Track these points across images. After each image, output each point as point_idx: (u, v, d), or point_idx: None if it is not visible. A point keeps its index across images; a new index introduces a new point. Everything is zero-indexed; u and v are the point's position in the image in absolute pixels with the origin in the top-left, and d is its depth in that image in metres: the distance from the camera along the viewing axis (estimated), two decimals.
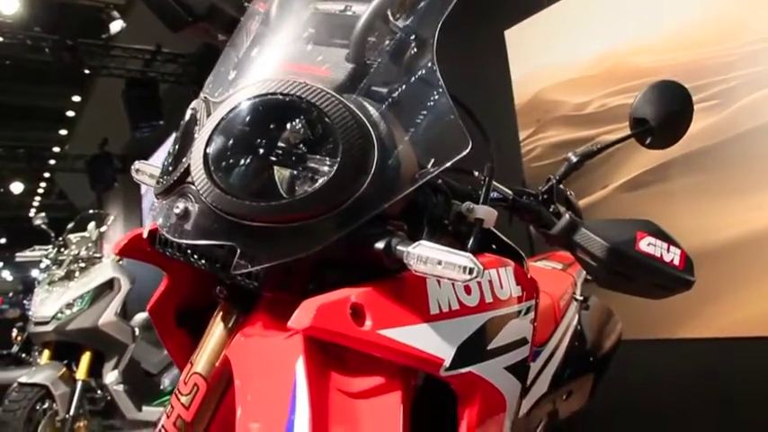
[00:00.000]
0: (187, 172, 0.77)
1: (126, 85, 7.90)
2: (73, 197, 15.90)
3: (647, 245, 1.04)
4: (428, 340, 0.77)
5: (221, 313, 0.87)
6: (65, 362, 3.64)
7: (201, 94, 0.85)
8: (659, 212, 3.00)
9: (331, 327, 0.69)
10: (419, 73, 0.82)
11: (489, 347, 0.86)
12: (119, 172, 10.30)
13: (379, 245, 0.75)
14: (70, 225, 4.15)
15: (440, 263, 0.71)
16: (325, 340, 0.71)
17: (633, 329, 2.29)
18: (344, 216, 0.73)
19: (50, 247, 3.96)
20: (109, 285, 3.85)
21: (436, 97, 0.80)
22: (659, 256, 1.05)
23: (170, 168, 0.81)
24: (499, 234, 1.14)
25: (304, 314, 0.69)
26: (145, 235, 0.84)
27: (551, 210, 1.12)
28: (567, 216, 1.07)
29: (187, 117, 0.85)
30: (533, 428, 1.50)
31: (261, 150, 0.75)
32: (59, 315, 3.67)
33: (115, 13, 7.17)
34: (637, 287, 1.11)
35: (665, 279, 1.07)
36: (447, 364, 0.78)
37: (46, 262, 3.97)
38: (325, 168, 0.73)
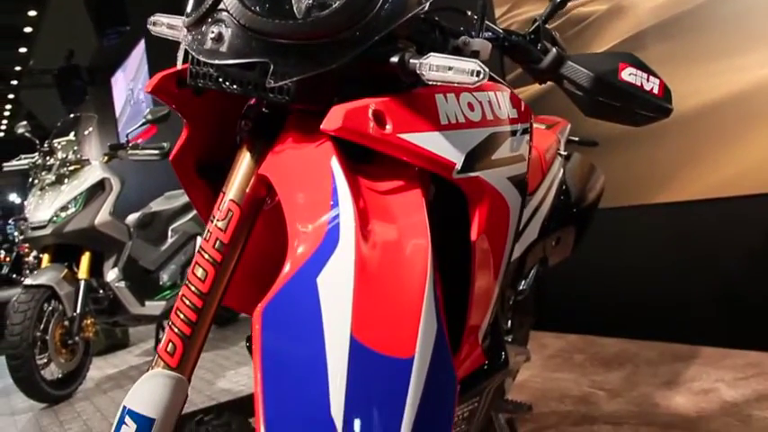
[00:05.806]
0: (217, 1, 0.81)
1: None
2: (42, 117, 15.53)
3: (629, 74, 1.14)
4: (441, 146, 0.85)
5: (246, 145, 0.92)
6: (65, 264, 3.71)
7: None
8: None
9: (358, 128, 0.77)
10: None
11: (493, 158, 0.95)
12: (88, 84, 10.09)
13: (394, 59, 0.83)
14: (54, 130, 4.13)
15: (450, 68, 0.79)
16: (351, 143, 0.79)
17: (613, 197, 2.39)
18: (364, 32, 0.79)
19: (36, 154, 3.95)
20: (100, 186, 3.86)
21: None
22: (640, 85, 1.15)
23: (198, 3, 0.85)
24: (492, 74, 1.21)
25: (334, 118, 0.77)
26: (183, 71, 0.87)
27: (539, 48, 1.19)
28: (555, 51, 1.15)
29: None
30: (527, 272, 1.63)
31: None
32: (55, 218, 3.69)
33: None
34: (620, 115, 1.20)
35: (646, 106, 1.17)
36: (458, 167, 0.86)
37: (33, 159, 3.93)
38: None
